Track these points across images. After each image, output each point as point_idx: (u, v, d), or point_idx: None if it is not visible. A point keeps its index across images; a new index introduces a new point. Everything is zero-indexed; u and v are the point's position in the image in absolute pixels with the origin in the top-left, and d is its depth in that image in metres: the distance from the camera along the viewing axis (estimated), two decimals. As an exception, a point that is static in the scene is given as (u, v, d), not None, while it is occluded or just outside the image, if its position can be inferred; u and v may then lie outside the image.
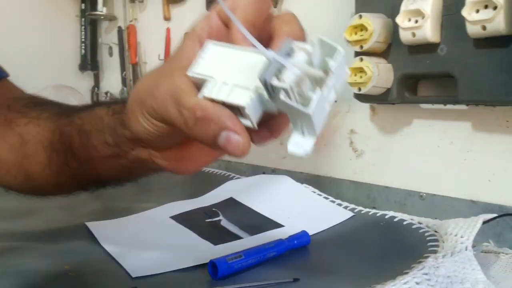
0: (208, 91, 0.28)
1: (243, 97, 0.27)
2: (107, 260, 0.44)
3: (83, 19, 1.28)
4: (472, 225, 0.45)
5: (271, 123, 0.31)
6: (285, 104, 0.25)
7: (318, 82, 0.26)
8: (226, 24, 0.32)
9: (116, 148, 0.37)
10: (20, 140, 0.43)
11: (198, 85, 0.29)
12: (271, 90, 0.26)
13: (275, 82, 0.25)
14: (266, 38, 0.31)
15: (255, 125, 0.28)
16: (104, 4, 1.23)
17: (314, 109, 0.25)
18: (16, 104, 0.46)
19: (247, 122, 0.28)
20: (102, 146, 0.38)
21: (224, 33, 0.32)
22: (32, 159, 0.43)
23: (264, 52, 0.26)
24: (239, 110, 0.27)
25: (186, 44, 0.32)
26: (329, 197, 0.63)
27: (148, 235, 0.52)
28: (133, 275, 0.40)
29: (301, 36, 0.30)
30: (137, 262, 0.43)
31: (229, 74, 0.28)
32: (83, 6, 1.28)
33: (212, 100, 0.27)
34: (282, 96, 0.25)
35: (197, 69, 0.29)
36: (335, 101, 0.27)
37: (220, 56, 0.29)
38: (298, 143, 0.27)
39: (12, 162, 0.44)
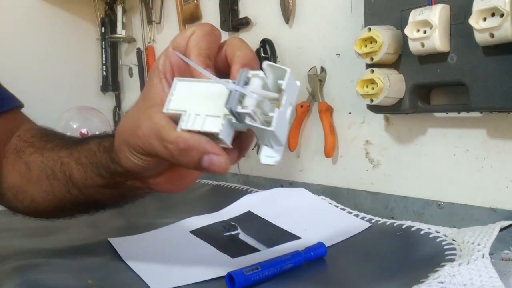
0: (185, 124, 0.32)
1: (216, 125, 0.31)
2: (129, 275, 0.46)
3: (103, 42, 1.33)
4: (489, 233, 0.45)
5: (239, 142, 0.34)
6: (251, 125, 0.30)
7: (276, 101, 0.31)
8: None
9: (111, 179, 0.41)
10: (26, 167, 0.48)
11: (173, 119, 0.33)
12: (238, 116, 0.30)
13: (239, 109, 0.29)
14: (220, 63, 0.35)
15: (230, 145, 0.32)
16: (123, 27, 1.27)
17: (275, 125, 0.29)
18: (25, 134, 0.51)
19: (222, 144, 0.32)
20: (98, 178, 0.42)
21: (185, 66, 0.35)
22: (37, 186, 0.47)
23: (226, 85, 0.30)
24: (214, 135, 0.31)
25: (154, 83, 0.36)
26: (346, 208, 0.63)
27: (168, 250, 0.53)
28: (154, 289, 0.42)
29: (253, 58, 0.34)
30: (158, 276, 0.45)
31: (199, 105, 0.32)
32: (103, 29, 1.33)
33: (190, 131, 0.32)
34: (248, 120, 0.30)
35: (171, 106, 0.33)
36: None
37: (188, 91, 0.33)
38: (269, 155, 0.32)
39: (19, 187, 0.48)
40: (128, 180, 0.40)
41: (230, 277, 0.41)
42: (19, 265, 0.46)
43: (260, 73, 0.30)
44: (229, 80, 0.31)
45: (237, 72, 0.32)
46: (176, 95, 0.33)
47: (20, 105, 0.54)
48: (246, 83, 0.30)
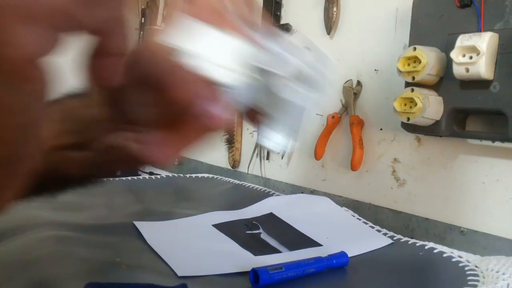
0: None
1: (231, 77, 0.24)
2: (154, 258, 0.47)
3: (141, 32, 1.36)
4: (515, 264, 0.45)
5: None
6: (286, 99, 0.24)
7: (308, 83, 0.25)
8: None
9: (78, 136, 0.31)
10: None
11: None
12: (270, 79, 0.24)
13: (278, 70, 0.23)
14: None
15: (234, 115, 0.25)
16: (163, 20, 1.29)
17: (303, 103, 0.24)
18: None
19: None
20: (61, 136, 0.31)
21: None
22: None
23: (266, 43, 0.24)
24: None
25: None
26: (368, 222, 0.63)
27: (191, 239, 0.54)
28: (179, 274, 0.43)
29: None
30: (182, 263, 0.45)
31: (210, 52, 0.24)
32: (143, 20, 1.35)
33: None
34: (284, 90, 0.24)
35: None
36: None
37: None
38: (275, 140, 0.25)
39: None
40: (104, 132, 0.29)
41: (254, 273, 0.42)
42: (52, 235, 0.47)
43: (308, 47, 0.25)
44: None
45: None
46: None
47: None
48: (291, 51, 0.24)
